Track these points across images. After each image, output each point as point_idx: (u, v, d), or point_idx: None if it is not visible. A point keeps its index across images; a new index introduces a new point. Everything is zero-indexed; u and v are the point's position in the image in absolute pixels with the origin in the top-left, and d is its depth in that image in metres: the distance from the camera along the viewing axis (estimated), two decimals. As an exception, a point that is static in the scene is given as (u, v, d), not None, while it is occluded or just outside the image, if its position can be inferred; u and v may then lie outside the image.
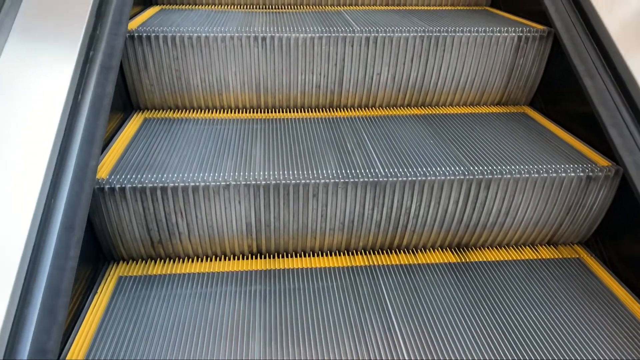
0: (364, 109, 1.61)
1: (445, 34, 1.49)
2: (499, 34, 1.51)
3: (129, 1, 1.41)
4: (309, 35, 1.46)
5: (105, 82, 1.21)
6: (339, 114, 1.57)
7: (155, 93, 1.51)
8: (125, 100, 1.50)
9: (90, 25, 1.24)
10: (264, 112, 1.57)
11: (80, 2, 1.26)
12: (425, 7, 1.90)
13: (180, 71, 1.48)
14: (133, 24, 1.46)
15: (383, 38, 1.48)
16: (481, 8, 1.92)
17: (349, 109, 1.60)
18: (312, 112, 1.58)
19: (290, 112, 1.58)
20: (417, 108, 1.62)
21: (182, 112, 1.54)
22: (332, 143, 1.36)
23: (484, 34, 1.50)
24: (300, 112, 1.58)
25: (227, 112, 1.56)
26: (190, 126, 1.44)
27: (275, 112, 1.58)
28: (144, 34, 1.41)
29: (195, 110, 1.55)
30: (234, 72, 1.50)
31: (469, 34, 1.50)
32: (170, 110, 1.55)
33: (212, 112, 1.55)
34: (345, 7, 1.88)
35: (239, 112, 1.57)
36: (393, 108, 1.61)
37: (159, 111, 1.54)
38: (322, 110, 1.59)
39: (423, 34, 1.49)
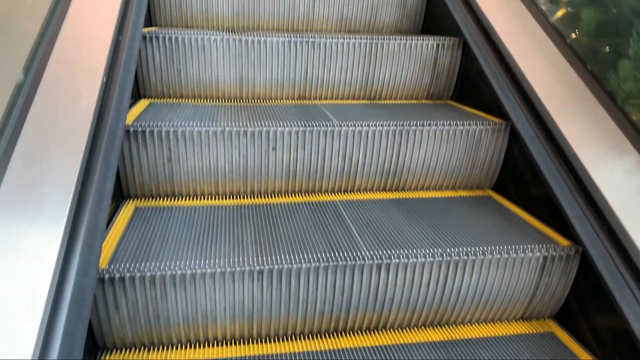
0: (373, 332, 1.39)
1: (466, 257, 1.33)
2: (523, 254, 1.36)
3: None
4: (313, 264, 1.26)
5: None
6: (345, 342, 1.34)
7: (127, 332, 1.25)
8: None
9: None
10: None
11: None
12: (424, 194, 1.76)
13: (158, 310, 1.24)
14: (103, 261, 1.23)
15: (397, 264, 1.30)
16: (484, 194, 1.80)
17: (355, 334, 1.38)
18: (314, 339, 1.35)
19: (288, 341, 1.34)
20: (433, 329, 1.41)
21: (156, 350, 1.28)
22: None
23: (507, 255, 1.35)
24: (304, 340, 1.34)
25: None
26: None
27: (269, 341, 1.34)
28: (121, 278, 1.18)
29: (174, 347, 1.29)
30: (223, 307, 1.27)
31: (499, 255, 1.34)
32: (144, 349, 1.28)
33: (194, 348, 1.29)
34: (340, 197, 1.71)
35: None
36: (407, 330, 1.40)
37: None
38: (325, 337, 1.36)
39: (441, 259, 1.32)
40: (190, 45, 1.88)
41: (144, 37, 1.83)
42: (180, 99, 1.96)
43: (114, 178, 1.29)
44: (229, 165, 1.64)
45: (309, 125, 1.64)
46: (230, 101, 2.00)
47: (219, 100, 1.99)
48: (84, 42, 1.55)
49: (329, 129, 1.64)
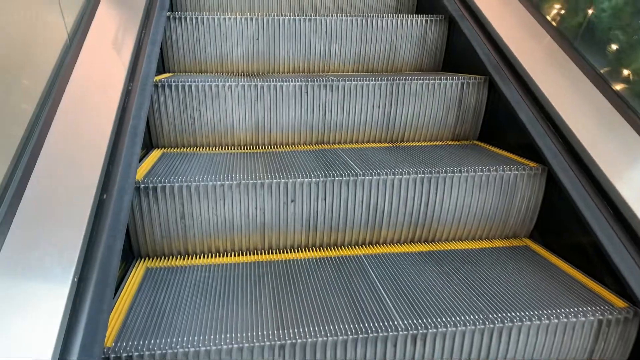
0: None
1: (511, 323, 1.18)
2: (575, 319, 1.21)
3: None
4: (341, 337, 1.13)
5: None
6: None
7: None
8: None
9: None
10: None
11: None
12: (456, 245, 1.63)
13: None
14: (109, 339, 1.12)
15: (434, 334, 1.16)
16: (521, 243, 1.66)
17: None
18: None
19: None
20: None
21: None
22: None
23: (556, 320, 1.20)
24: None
25: None
26: None
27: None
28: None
29: None
30: (242, 386, 1.14)
31: (547, 321, 1.20)
32: None
33: None
34: (365, 251, 1.59)
35: None
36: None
37: None
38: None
39: (483, 326, 1.18)
40: (204, 92, 1.81)
41: (157, 85, 1.76)
42: (194, 148, 1.88)
43: (121, 245, 1.19)
44: (245, 219, 1.53)
45: (329, 175, 1.53)
46: (246, 148, 1.91)
47: (234, 148, 1.91)
48: (93, 92, 1.48)
49: (351, 178, 1.54)
